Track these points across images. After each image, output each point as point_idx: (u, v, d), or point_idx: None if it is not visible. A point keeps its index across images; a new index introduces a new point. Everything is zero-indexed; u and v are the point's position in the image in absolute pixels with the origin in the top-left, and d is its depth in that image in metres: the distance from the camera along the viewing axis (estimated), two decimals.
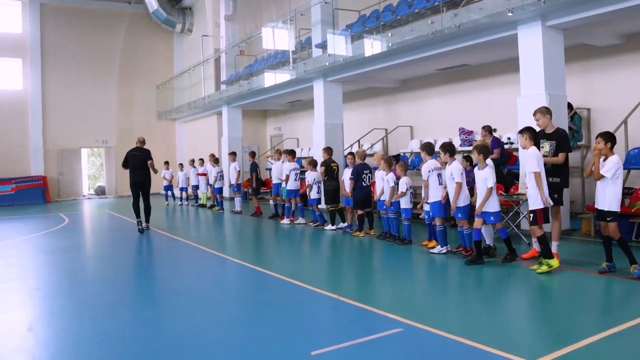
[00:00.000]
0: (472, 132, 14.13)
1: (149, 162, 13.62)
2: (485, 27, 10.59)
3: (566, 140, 8.12)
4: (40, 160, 26.22)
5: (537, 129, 8.08)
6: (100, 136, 27.98)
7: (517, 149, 11.28)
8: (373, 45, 13.32)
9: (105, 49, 28.24)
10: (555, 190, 7.95)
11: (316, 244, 11.16)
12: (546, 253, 7.44)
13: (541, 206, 7.44)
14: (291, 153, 14.24)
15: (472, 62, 14.24)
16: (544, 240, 7.42)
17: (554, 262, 7.40)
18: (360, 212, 11.38)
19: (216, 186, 18.43)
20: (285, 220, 14.09)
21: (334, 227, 12.40)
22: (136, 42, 28.97)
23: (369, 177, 11.17)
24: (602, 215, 7.10)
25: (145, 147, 14.48)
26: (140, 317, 6.10)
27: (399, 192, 10.01)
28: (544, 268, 7.36)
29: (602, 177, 6.97)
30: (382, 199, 10.42)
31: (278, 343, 4.97)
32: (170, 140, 29.49)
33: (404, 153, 16.10)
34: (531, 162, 7.44)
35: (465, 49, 11.75)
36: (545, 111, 8.13)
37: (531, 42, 10.06)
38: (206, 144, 25.04)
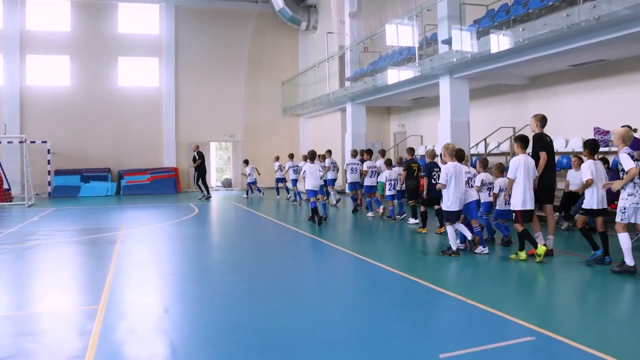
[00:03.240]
0: (608, 132, 13.30)
1: None
2: (627, 19, 9.93)
3: (538, 141, 8.91)
4: (172, 153, 27.91)
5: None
6: (228, 131, 29.31)
7: None
8: (502, 41, 12.90)
9: (233, 47, 29.49)
10: (544, 191, 8.81)
11: (424, 244, 11.00)
12: (521, 245, 8.59)
13: (519, 208, 8.43)
14: (368, 152, 16.06)
15: (611, 57, 13.42)
16: (523, 235, 8.48)
17: (523, 255, 8.55)
18: (423, 208, 12.06)
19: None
20: (370, 213, 15.21)
21: (416, 220, 13.09)
22: (263, 40, 29.95)
23: (438, 175, 10.68)
24: None
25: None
26: (267, 308, 6.27)
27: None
28: (514, 257, 8.62)
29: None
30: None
31: (405, 342, 4.96)
32: (294, 135, 30.24)
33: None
34: (510, 169, 8.59)
35: (603, 43, 11.08)
36: (539, 118, 9.10)
37: None
38: (330, 140, 25.39)
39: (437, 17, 16.11)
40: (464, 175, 9.48)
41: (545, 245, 8.55)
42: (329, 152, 18.50)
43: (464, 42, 14.43)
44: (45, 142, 24.94)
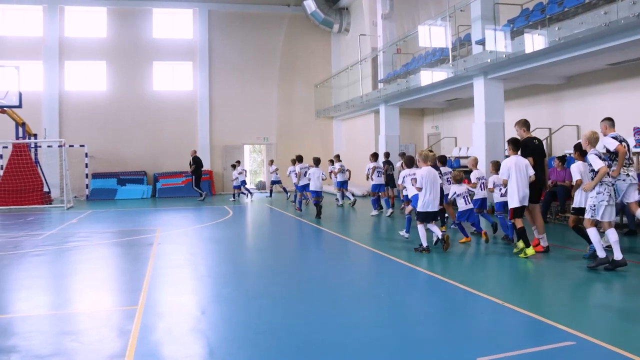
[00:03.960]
0: None
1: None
2: None
3: (524, 147, 9.40)
4: (207, 156, 28.22)
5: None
6: (261, 133, 29.54)
7: None
8: (537, 40, 12.73)
9: (266, 50, 29.72)
10: (534, 191, 9.26)
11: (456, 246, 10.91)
12: (526, 243, 9.01)
13: (512, 206, 9.03)
14: (374, 155, 16.82)
15: None
16: (519, 233, 9.03)
17: (529, 251, 8.94)
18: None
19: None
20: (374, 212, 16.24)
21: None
22: (295, 43, 30.11)
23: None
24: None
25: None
26: (303, 310, 6.30)
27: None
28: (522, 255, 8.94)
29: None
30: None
31: (440, 345, 4.93)
32: (327, 138, 30.31)
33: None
34: (501, 170, 9.22)
35: None
36: (522, 123, 9.67)
37: None
38: (363, 142, 25.37)
39: (470, 17, 15.99)
40: (439, 179, 10.22)
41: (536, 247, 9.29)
42: (337, 156, 19.98)
43: (498, 42, 14.29)
44: (83, 145, 25.50)
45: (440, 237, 9.92)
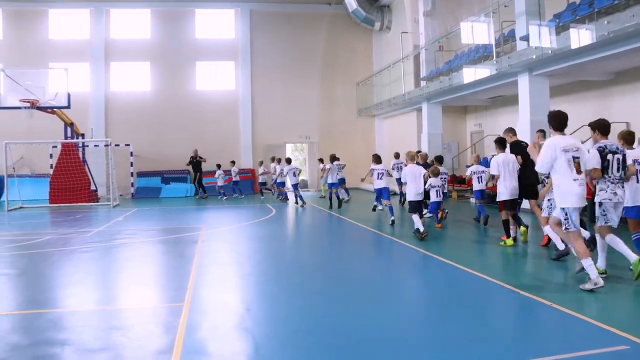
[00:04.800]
0: None
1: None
2: None
3: (513, 148, 10.36)
4: (249, 154, 28.49)
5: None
6: (303, 132, 29.63)
7: None
8: (585, 35, 12.44)
9: (307, 49, 29.80)
10: (526, 187, 10.10)
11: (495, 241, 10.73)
12: (507, 233, 10.14)
13: (502, 199, 9.97)
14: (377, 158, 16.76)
15: None
16: (504, 224, 10.17)
17: (509, 241, 10.02)
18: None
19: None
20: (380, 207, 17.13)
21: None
22: (336, 41, 30.10)
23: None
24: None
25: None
26: (347, 308, 6.29)
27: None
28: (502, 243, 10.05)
29: None
30: None
31: (489, 346, 4.87)
32: (369, 136, 30.22)
33: None
34: (491, 167, 10.10)
35: None
36: (508, 130, 10.80)
37: None
38: (405, 140, 25.21)
39: (514, 12, 15.73)
40: (421, 174, 11.94)
41: (515, 238, 10.28)
42: (333, 155, 20.12)
43: (543, 37, 14.02)
44: (128, 145, 26.00)
45: (421, 232, 11.03)
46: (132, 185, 26.41)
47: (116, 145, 24.76)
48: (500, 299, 6.61)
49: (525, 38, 14.90)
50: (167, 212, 19.05)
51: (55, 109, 21.58)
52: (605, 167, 7.20)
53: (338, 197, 18.57)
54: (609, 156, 7.22)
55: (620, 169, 7.24)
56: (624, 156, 7.32)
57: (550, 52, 13.39)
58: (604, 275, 7.13)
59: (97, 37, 28.05)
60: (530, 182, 9.99)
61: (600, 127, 7.50)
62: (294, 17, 29.72)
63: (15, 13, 27.91)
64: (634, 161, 7.51)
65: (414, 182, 11.65)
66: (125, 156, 25.99)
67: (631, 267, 7.09)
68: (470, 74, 17.54)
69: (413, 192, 11.62)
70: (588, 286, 6.56)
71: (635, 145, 7.97)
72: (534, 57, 13.91)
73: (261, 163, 24.87)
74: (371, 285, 7.59)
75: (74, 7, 28.20)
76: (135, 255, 10.51)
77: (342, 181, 19.73)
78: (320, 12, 29.81)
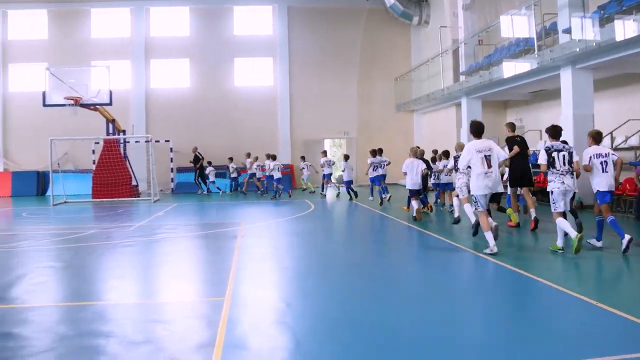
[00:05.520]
0: None
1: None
2: None
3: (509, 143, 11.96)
4: (287, 150, 28.62)
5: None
6: (341, 128, 29.62)
7: None
8: (631, 27, 12.11)
9: (345, 44, 29.76)
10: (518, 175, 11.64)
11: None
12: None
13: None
14: (379, 151, 19.46)
15: None
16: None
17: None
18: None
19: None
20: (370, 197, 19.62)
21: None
22: (374, 36, 29.98)
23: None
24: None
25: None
26: (387, 305, 6.27)
27: None
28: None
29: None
30: None
31: (534, 346, 4.73)
32: (408, 131, 30.01)
33: None
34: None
35: None
36: (509, 125, 12.56)
37: None
38: (445, 136, 24.96)
39: (556, 5, 15.40)
40: (419, 167, 13.76)
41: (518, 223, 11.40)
42: (324, 152, 23.03)
43: (587, 30, 13.70)
44: (168, 141, 26.40)
45: (414, 212, 13.44)
46: (172, 180, 26.80)
47: (156, 141, 25.16)
48: (538, 296, 6.49)
49: (568, 31, 14.58)
50: (206, 208, 19.28)
51: (97, 106, 22.00)
52: (551, 163, 8.92)
53: (350, 192, 20.42)
54: (554, 154, 8.93)
55: (567, 163, 8.88)
56: (570, 153, 8.99)
57: (594, 44, 13.08)
58: (562, 252, 8.76)
59: (138, 35, 28.54)
60: (521, 171, 11.62)
61: (550, 132, 9.49)
62: (332, 13, 29.70)
63: (60, 13, 28.57)
64: (597, 155, 8.93)
65: (412, 174, 13.57)
66: (165, 152, 26.40)
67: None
68: (511, 68, 17.25)
69: (410, 182, 13.61)
70: (487, 251, 8.83)
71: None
72: (578, 50, 13.61)
73: (248, 155, 24.97)
74: (412, 282, 7.56)
75: (115, 6, 28.74)
76: (175, 249, 10.65)
77: (382, 177, 19.42)
78: (358, 7, 29.69)
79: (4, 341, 5.18)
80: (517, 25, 16.95)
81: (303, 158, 24.33)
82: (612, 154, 9.00)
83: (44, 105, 21.74)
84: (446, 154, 15.54)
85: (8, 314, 6.18)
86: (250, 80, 29.40)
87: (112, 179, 22.16)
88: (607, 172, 8.89)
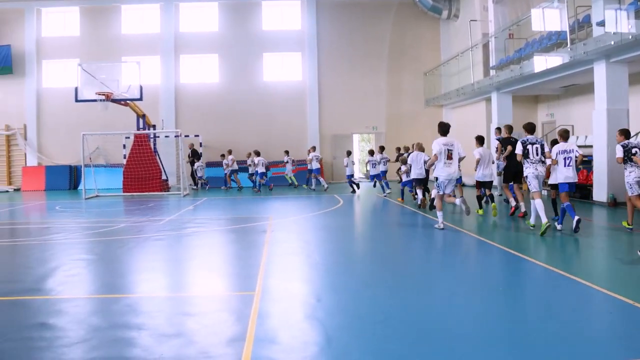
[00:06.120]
0: None
1: None
2: None
3: (504, 143, 13.43)
4: (316, 145, 28.48)
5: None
6: (370, 122, 29.54)
7: None
8: None
9: (374, 39, 29.64)
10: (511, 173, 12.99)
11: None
12: (479, 205, 13.93)
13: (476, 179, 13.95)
14: (381, 149, 21.22)
15: None
16: (477, 198, 14.02)
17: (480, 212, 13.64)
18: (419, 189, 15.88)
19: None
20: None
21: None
22: (403, 31, 29.79)
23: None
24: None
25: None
26: (418, 300, 6.23)
27: None
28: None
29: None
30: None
31: (569, 346, 4.66)
32: (437, 126, 29.66)
33: None
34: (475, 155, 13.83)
35: None
36: (507, 127, 13.88)
37: None
38: (474, 131, 24.65)
39: None
40: (422, 160, 14.86)
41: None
42: (314, 147, 24.11)
43: (622, 22, 13.43)
44: (197, 135, 26.60)
45: (420, 201, 15.46)
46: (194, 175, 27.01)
47: (186, 136, 25.39)
48: (573, 294, 6.38)
49: (602, 23, 14.30)
50: (235, 202, 19.38)
51: (128, 101, 22.26)
52: (526, 154, 10.85)
53: (352, 185, 21.90)
54: (529, 146, 10.83)
55: (539, 154, 10.79)
56: (542, 145, 10.86)
57: (630, 37, 12.82)
58: (532, 228, 10.76)
59: (167, 30, 28.80)
60: (514, 169, 12.68)
61: (527, 127, 11.24)
62: (360, 7, 29.58)
63: (91, 10, 28.95)
64: (563, 151, 10.52)
65: (416, 165, 15.05)
66: (194, 147, 26.57)
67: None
68: (542, 62, 17.02)
69: (415, 173, 15.12)
70: (437, 226, 11.40)
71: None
72: (612, 43, 13.36)
73: (230, 152, 25.25)
74: (443, 277, 7.48)
75: (145, 2, 29.04)
76: (205, 243, 10.73)
77: (384, 173, 20.77)
78: (387, 1, 29.56)
79: (40, 331, 5.28)
80: (549, 18, 16.73)
81: (287, 152, 25.55)
82: (576, 151, 10.54)
83: (76, 100, 22.11)
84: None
85: (44, 305, 6.30)
86: (279, 75, 29.47)
87: (143, 173, 22.41)
88: (570, 166, 10.48)
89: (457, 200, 11.34)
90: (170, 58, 28.78)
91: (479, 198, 13.88)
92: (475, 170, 13.87)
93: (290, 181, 25.66)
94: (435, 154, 11.24)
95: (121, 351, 4.74)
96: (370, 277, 7.60)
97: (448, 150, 11.30)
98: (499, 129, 15.65)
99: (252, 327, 5.24)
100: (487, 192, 14.32)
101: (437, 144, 11.30)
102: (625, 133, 10.61)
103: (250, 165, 24.54)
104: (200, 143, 26.76)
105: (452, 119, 28.99)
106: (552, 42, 17.65)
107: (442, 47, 29.87)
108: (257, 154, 23.77)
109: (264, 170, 23.45)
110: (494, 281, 7.29)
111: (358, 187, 21.79)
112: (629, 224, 10.52)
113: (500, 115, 21.42)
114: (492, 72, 21.85)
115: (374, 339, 4.94)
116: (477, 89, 22.37)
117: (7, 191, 27.51)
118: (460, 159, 11.72)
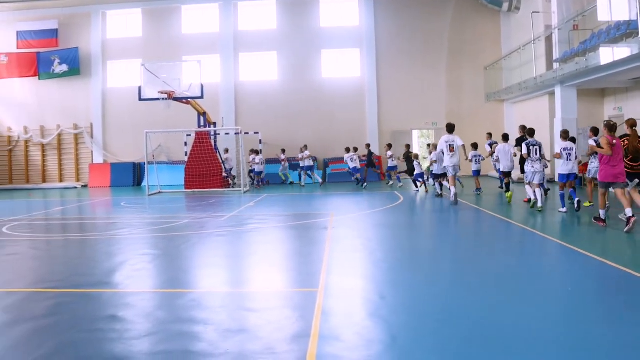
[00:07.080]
0: None
1: None
2: None
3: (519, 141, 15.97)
4: (375, 141, 28.45)
5: None
6: (429, 118, 29.18)
7: None
8: None
9: (433, 34, 29.25)
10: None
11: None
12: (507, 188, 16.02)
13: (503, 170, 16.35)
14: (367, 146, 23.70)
15: None
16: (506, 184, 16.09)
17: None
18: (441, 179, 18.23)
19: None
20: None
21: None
22: (463, 25, 29.29)
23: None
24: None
25: None
26: (483, 299, 6.08)
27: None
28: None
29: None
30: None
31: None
32: (498, 122, 29.09)
33: None
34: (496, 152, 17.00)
35: None
36: (522, 128, 17.14)
37: None
38: (536, 126, 24.04)
39: None
40: (510, 152, 16.41)
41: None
42: (305, 146, 24.75)
43: None
44: (257, 133, 26.87)
45: (439, 192, 17.94)
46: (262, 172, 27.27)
47: (246, 133, 25.67)
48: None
49: None
50: (295, 199, 19.49)
51: (189, 100, 22.69)
52: (528, 153, 13.28)
53: (358, 180, 23.56)
54: (531, 147, 13.25)
55: (538, 154, 13.26)
56: (540, 146, 13.29)
57: None
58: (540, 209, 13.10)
59: (227, 29, 29.23)
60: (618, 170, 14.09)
61: (529, 131, 14.02)
62: (418, 2, 29.26)
63: (153, 11, 29.69)
64: (563, 149, 12.91)
65: (440, 162, 17.14)
66: (254, 144, 26.87)
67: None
68: (609, 53, 16.40)
69: (437, 169, 17.69)
70: (451, 198, 15.35)
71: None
72: None
73: (389, 147, 24.38)
74: (510, 277, 7.25)
75: (204, 2, 29.57)
76: (267, 239, 10.81)
77: (395, 168, 23.47)
78: None
79: (110, 323, 5.45)
80: (616, 8, 16.14)
81: (283, 151, 26.11)
82: (575, 148, 12.94)
83: (140, 99, 22.66)
84: (474, 145, 19.79)
85: (113, 298, 6.48)
86: (338, 72, 29.47)
87: (204, 170, 22.83)
88: (570, 160, 12.94)
89: (453, 189, 15.42)
90: (230, 56, 29.19)
91: (563, 196, 13.27)
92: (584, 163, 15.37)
93: (284, 178, 26.28)
94: (440, 149, 15.86)
95: (187, 345, 4.81)
96: (435, 275, 7.48)
97: (449, 145, 15.48)
98: (565, 131, 14.34)
99: (317, 323, 5.23)
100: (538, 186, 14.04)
101: (441, 141, 15.72)
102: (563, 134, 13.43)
103: (300, 159, 24.77)
104: (260, 140, 27.01)
105: (513, 114, 28.44)
106: (621, 32, 16.97)
107: (502, 41, 29.19)
108: (256, 153, 24.92)
109: (262, 168, 24.87)
110: (566, 283, 7.06)
111: (424, 186, 21.09)
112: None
113: (564, 109, 20.80)
114: (556, 65, 21.22)
115: (440, 339, 4.86)
116: (540, 83, 21.77)
117: (76, 187, 28.57)
118: (462, 147, 15.74)
